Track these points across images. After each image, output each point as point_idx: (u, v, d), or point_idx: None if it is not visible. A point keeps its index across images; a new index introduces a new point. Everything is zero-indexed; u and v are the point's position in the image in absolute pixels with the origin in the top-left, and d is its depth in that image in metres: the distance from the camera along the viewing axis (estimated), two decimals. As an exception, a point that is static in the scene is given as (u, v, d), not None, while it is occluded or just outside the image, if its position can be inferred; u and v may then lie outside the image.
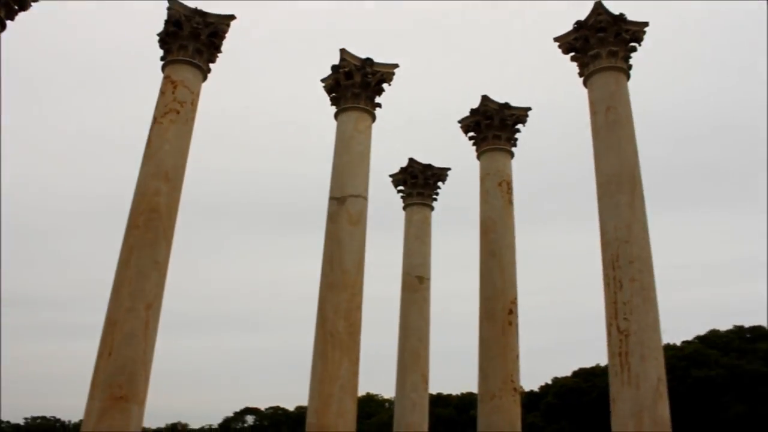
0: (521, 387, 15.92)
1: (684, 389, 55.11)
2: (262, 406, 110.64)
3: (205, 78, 14.37)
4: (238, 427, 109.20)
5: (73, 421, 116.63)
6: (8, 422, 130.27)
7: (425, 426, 18.60)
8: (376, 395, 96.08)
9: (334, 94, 15.53)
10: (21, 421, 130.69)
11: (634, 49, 14.13)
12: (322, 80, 15.87)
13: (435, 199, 20.86)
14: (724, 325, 69.59)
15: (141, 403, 11.68)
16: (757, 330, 66.89)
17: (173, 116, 13.37)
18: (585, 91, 14.25)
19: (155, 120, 13.45)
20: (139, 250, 12.28)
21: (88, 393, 11.54)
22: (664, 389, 11.86)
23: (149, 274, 12.19)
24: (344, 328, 13.19)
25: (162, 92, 13.64)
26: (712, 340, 66.11)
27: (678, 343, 65.47)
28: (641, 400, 11.57)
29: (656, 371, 11.83)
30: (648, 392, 11.61)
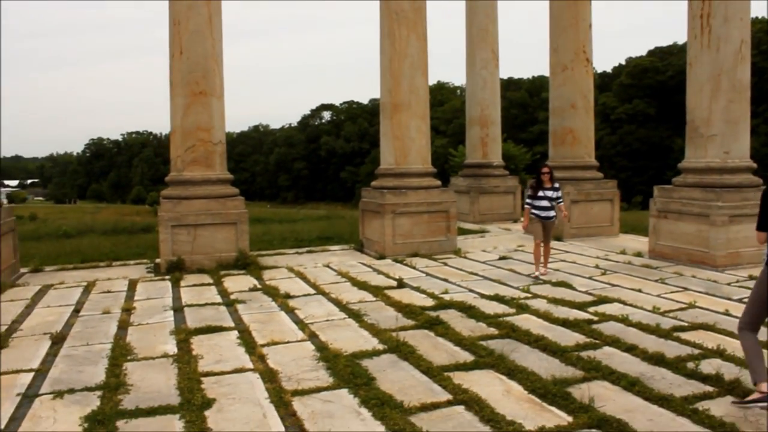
0: (593, 67, 15.50)
1: (768, 64, 53.00)
2: (337, 101, 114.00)
3: None
4: (316, 123, 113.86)
5: (164, 133, 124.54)
6: (108, 139, 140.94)
7: (497, 103, 18.85)
8: (447, 83, 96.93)
9: None
10: (119, 138, 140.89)
11: None
12: None
13: None
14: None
15: (219, 96, 12.06)
16: None
17: None
18: None
19: None
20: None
21: (169, 92, 11.95)
22: (747, 52, 11.33)
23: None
24: (409, 4, 12.75)
25: None
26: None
27: (767, 17, 61.40)
28: (720, 63, 11.17)
29: (740, 33, 11.20)
30: (728, 55, 11.13)
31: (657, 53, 69.26)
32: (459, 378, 5.62)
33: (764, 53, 52.55)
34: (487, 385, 5.49)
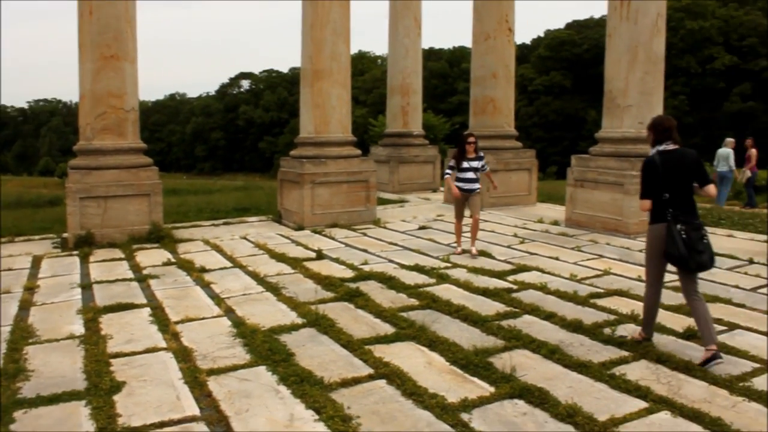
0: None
1: (676, 40, 54.94)
2: (257, 70, 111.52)
3: None
4: (234, 92, 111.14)
5: (74, 101, 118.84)
6: (12, 107, 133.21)
7: (419, 72, 18.71)
8: (368, 52, 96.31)
9: None
10: (25, 105, 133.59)
11: None
12: None
13: None
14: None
15: (132, 61, 11.40)
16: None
17: None
18: None
19: None
20: None
21: (78, 56, 11.20)
22: (662, 25, 11.60)
23: None
24: (331, -32, 12.43)
25: None
26: (714, -9, 63.87)
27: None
28: (638, 35, 11.38)
29: (656, 7, 11.44)
30: (646, 27, 11.36)
31: (574, 26, 70.64)
32: (380, 351, 5.52)
33: (673, 29, 54.42)
34: (408, 357, 5.41)
